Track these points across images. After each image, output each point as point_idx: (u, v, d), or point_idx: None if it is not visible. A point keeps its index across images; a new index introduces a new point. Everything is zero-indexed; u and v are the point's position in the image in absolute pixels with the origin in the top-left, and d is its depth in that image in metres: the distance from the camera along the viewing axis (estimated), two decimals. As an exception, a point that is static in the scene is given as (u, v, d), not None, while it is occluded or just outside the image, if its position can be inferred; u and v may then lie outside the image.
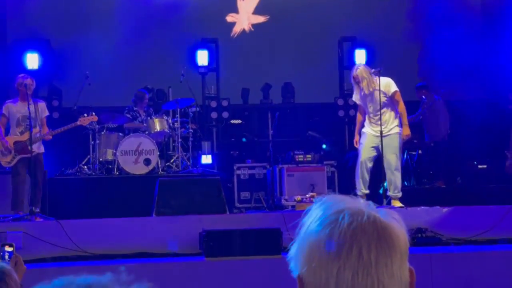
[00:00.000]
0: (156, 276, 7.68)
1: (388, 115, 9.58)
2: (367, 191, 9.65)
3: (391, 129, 9.57)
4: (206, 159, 12.81)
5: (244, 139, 13.73)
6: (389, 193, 9.63)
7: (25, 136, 9.69)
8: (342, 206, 1.43)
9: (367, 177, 9.63)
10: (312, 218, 1.44)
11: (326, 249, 1.38)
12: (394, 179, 9.57)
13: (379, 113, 9.51)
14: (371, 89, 9.58)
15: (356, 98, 9.88)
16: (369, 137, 9.64)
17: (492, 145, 13.33)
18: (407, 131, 9.61)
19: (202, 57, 13.51)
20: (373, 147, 9.63)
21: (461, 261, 8.05)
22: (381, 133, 9.47)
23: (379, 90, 9.50)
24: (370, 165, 9.64)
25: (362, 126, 9.80)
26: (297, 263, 1.44)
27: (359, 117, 9.99)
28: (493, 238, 8.83)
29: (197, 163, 12.44)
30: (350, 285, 1.36)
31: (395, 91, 9.61)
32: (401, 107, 9.62)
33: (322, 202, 1.46)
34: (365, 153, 9.61)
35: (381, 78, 9.59)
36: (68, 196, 10.69)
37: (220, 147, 13.48)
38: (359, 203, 1.45)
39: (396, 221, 1.44)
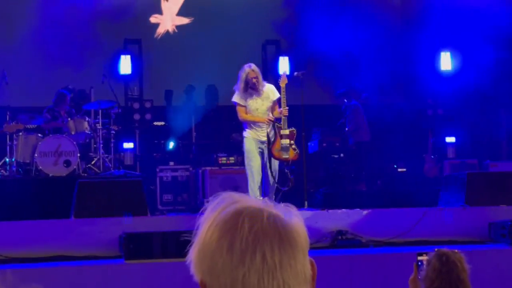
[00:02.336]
0: (75, 280, 7.54)
1: None
2: None
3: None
4: (128, 161, 12.68)
5: (171, 145, 13.55)
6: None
7: None
8: (240, 208, 1.40)
9: None
10: (210, 221, 1.41)
11: (228, 256, 1.36)
12: None
13: None
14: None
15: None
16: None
17: (411, 149, 13.61)
18: None
19: (125, 63, 13.40)
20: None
21: (380, 263, 8.16)
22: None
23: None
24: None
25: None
26: (198, 269, 1.41)
27: None
28: (412, 240, 8.98)
29: (118, 165, 12.29)
30: None
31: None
32: None
33: (217, 203, 1.44)
34: None
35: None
36: (-17, 198, 10.39)
37: (143, 149, 13.36)
38: (257, 202, 1.43)
39: (295, 216, 1.43)
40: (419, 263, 4.30)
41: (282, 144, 9.45)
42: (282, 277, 1.36)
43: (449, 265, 4.14)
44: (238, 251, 1.36)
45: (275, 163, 9.56)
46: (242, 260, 1.35)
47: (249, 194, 9.27)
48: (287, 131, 9.49)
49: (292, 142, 9.51)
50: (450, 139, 13.85)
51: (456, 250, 4.29)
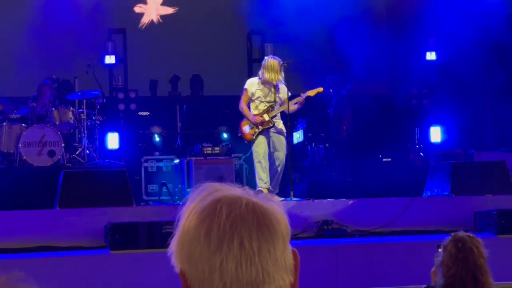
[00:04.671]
0: (60, 270, 7.50)
1: None
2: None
3: None
4: (113, 151, 12.62)
5: (157, 138, 13.47)
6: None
7: None
8: (219, 196, 1.39)
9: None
10: (189, 210, 1.40)
11: (206, 243, 1.34)
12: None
13: None
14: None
15: None
16: None
17: (396, 138, 13.62)
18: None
19: (110, 49, 13.29)
20: None
21: (366, 253, 8.18)
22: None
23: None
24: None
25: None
26: (178, 258, 1.40)
27: None
28: (396, 230, 9.00)
29: (103, 155, 12.23)
30: (234, 276, 1.33)
31: None
32: None
33: (197, 193, 1.42)
34: None
35: None
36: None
37: (128, 139, 13.30)
38: (236, 191, 1.41)
39: (275, 204, 1.41)
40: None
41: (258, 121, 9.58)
42: (261, 263, 1.34)
43: (466, 251, 4.02)
44: (215, 237, 1.34)
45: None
46: (220, 247, 1.33)
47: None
48: (267, 117, 9.61)
49: (260, 127, 9.60)
50: (435, 129, 13.87)
51: (472, 235, 4.17)
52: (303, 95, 9.75)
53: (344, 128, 12.85)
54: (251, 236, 1.34)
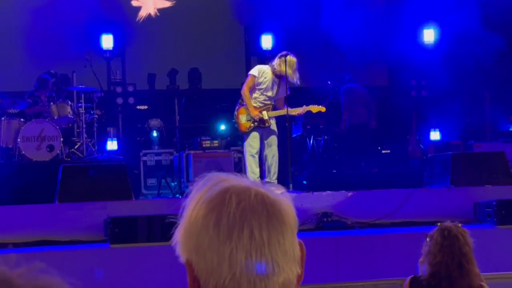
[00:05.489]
0: (60, 264, 7.49)
1: None
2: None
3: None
4: (112, 145, 12.62)
5: (155, 132, 13.41)
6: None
7: None
8: (227, 185, 1.37)
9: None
10: (196, 200, 1.38)
11: (215, 233, 1.32)
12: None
13: None
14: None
15: None
16: None
17: (395, 130, 13.62)
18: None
19: (107, 41, 13.26)
20: None
21: (366, 244, 8.18)
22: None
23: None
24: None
25: None
26: (184, 248, 1.38)
27: None
28: (397, 221, 9.00)
29: (102, 149, 12.21)
30: (244, 267, 1.31)
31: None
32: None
33: (203, 183, 1.40)
34: None
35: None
36: (-34, 183, 10.29)
37: (126, 133, 13.29)
38: (244, 181, 1.40)
39: (283, 196, 1.40)
40: None
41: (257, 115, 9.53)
42: (271, 254, 1.32)
43: (451, 239, 4.11)
44: (225, 227, 1.32)
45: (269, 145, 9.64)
46: (229, 236, 1.31)
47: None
48: (266, 116, 9.56)
49: (254, 123, 9.59)
50: (434, 121, 13.86)
51: (459, 224, 4.26)
52: (305, 108, 9.67)
53: (343, 119, 12.83)
54: (261, 226, 1.33)
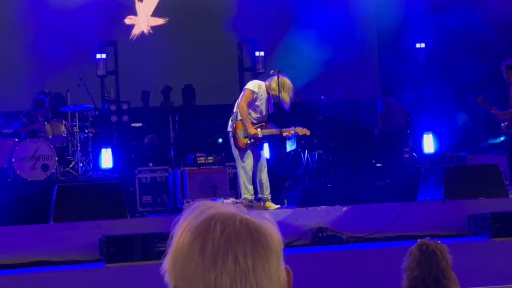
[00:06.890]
0: (56, 285, 7.48)
1: None
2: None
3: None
4: (107, 163, 12.62)
5: (150, 149, 13.45)
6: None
7: None
8: (212, 212, 1.39)
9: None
10: (183, 228, 1.40)
11: (200, 260, 1.34)
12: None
13: None
14: None
15: None
16: None
17: (388, 143, 13.62)
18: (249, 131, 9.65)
19: (101, 60, 13.29)
20: None
21: (361, 259, 8.18)
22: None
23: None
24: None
25: None
26: (172, 275, 1.40)
27: None
28: (392, 235, 9.00)
29: (97, 168, 12.21)
30: None
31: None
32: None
33: (190, 211, 1.43)
34: None
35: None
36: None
37: (121, 151, 13.30)
38: (229, 207, 1.42)
39: (269, 222, 1.42)
40: None
41: (252, 134, 9.52)
42: (256, 279, 1.34)
43: (429, 254, 4.17)
44: (210, 253, 1.34)
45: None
46: (214, 263, 1.33)
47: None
48: (260, 134, 9.57)
49: (250, 140, 9.58)
50: (428, 133, 13.89)
51: (438, 241, 4.32)
52: (293, 130, 9.73)
53: (337, 134, 12.88)
54: (246, 252, 1.34)
